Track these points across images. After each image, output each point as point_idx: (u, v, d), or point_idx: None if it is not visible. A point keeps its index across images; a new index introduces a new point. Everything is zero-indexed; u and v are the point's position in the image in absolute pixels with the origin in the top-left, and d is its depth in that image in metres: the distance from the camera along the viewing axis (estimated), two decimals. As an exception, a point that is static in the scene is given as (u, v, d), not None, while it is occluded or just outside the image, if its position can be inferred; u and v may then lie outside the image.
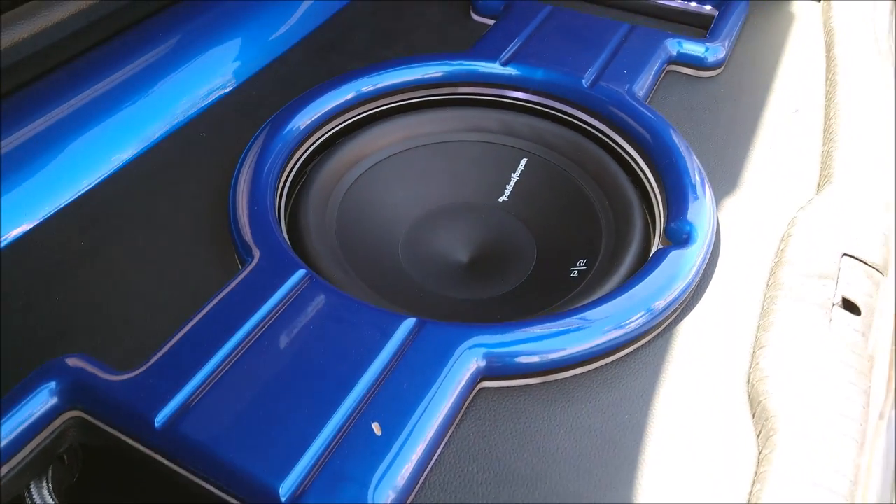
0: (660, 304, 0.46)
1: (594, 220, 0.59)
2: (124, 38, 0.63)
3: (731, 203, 0.56)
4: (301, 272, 0.46)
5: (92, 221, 0.53)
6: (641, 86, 0.64)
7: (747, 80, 0.69)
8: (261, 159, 0.56)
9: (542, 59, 0.66)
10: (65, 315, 0.47)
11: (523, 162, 0.65)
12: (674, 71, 0.70)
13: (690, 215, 0.51)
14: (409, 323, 0.44)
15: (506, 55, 0.67)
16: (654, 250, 0.53)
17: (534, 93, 0.66)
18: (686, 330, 0.47)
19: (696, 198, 0.52)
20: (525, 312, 0.52)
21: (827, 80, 0.68)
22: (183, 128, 0.62)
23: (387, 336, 0.43)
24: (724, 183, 0.58)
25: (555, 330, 0.44)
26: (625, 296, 0.46)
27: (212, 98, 0.65)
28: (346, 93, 0.63)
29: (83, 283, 0.49)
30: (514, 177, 0.64)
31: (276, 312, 0.44)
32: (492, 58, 0.67)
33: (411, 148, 0.65)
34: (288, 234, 0.53)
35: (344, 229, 0.57)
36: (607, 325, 0.44)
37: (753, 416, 0.42)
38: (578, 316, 0.45)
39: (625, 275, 0.52)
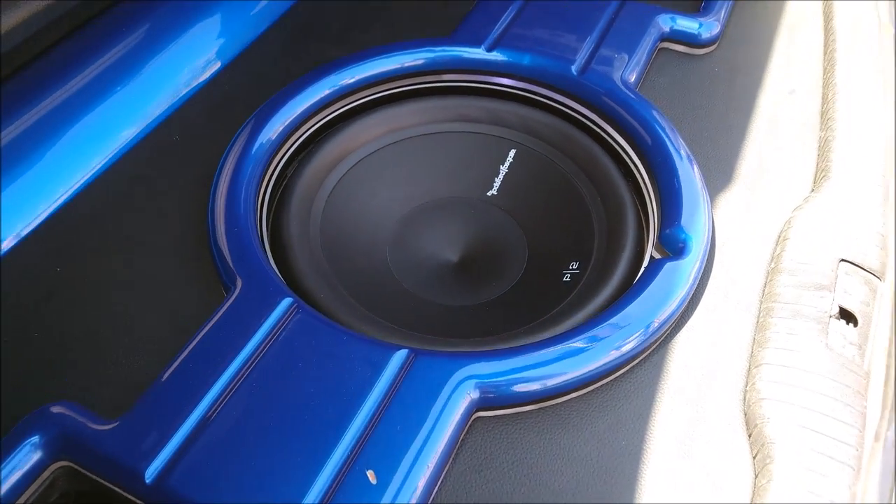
0: (656, 322, 0.45)
1: (586, 217, 0.57)
2: (76, 41, 0.59)
3: (725, 199, 0.54)
4: (287, 301, 0.45)
5: (62, 246, 0.51)
6: (634, 69, 0.61)
7: (742, 58, 0.66)
8: (238, 170, 0.53)
9: (528, 43, 0.63)
10: (41, 353, 0.45)
11: (512, 153, 0.62)
12: (666, 48, 0.67)
13: (686, 223, 0.49)
14: (401, 355, 0.42)
15: (490, 39, 0.63)
16: (647, 255, 0.51)
17: (521, 79, 0.63)
18: (680, 346, 0.46)
19: (693, 204, 0.50)
20: (518, 322, 0.51)
21: (825, 55, 0.65)
22: (152, 133, 0.58)
23: (378, 371, 0.41)
24: (719, 175, 0.56)
25: (549, 357, 0.43)
26: (620, 315, 0.44)
27: (182, 96, 0.62)
28: (323, 88, 0.60)
29: (58, 317, 0.47)
30: (503, 169, 0.62)
31: (263, 348, 0.42)
32: (476, 43, 0.63)
33: (395, 142, 0.62)
34: (271, 251, 0.51)
35: (329, 240, 0.55)
36: (603, 349, 0.43)
37: (749, 436, 0.42)
38: (573, 340, 0.43)
39: (618, 284, 0.50)
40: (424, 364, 0.42)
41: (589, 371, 0.42)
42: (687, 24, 0.65)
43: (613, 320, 0.44)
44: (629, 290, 0.47)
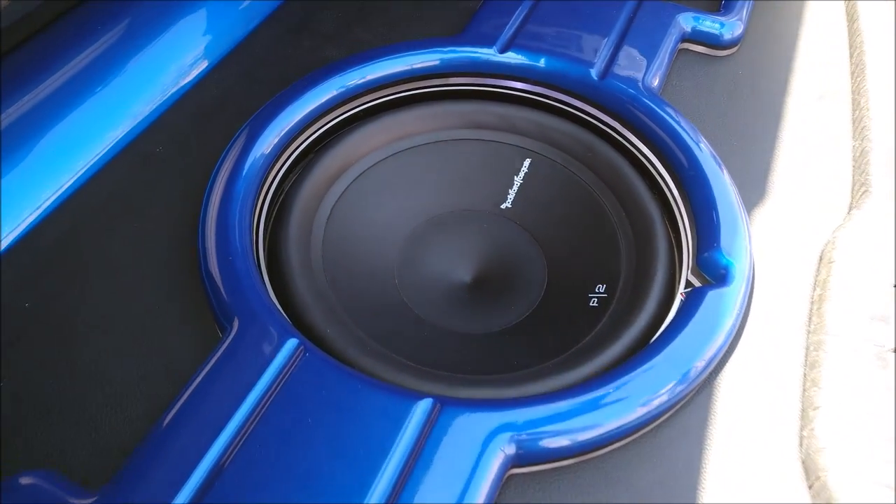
0: (703, 359, 0.40)
1: (610, 235, 0.52)
2: (45, 40, 0.52)
3: (760, 217, 0.50)
4: (292, 343, 0.39)
5: (30, 278, 0.44)
6: (656, 73, 0.56)
7: (764, 60, 0.61)
8: (230, 188, 0.47)
9: (543, 44, 0.57)
10: (6, 409, 0.39)
11: (527, 163, 0.57)
12: (684, 49, 0.62)
13: (726, 246, 0.45)
14: (425, 406, 0.37)
15: (502, 40, 0.57)
16: (682, 280, 0.47)
17: (535, 83, 0.57)
18: (726, 385, 0.41)
19: (733, 224, 0.45)
20: (544, 353, 0.46)
21: (851, 58, 0.61)
22: (132, 144, 0.52)
23: (401, 424, 0.36)
24: (750, 190, 0.51)
25: (591, 404, 0.38)
26: (665, 353, 0.40)
27: (165, 101, 0.55)
28: (322, 93, 0.54)
29: (26, 364, 0.40)
30: (518, 180, 0.56)
31: (267, 401, 0.37)
32: (487, 43, 0.57)
33: (400, 152, 0.57)
34: (270, 281, 0.45)
35: (332, 265, 0.49)
36: (649, 393, 0.38)
37: (810, 487, 0.38)
38: (615, 383, 0.39)
39: (653, 312, 0.45)
40: (452, 416, 0.37)
41: (635, 419, 0.38)
42: (709, 23, 0.60)
43: (658, 359, 0.39)
44: (672, 322, 0.42)
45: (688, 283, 0.46)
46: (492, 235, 0.56)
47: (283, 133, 0.52)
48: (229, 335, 0.40)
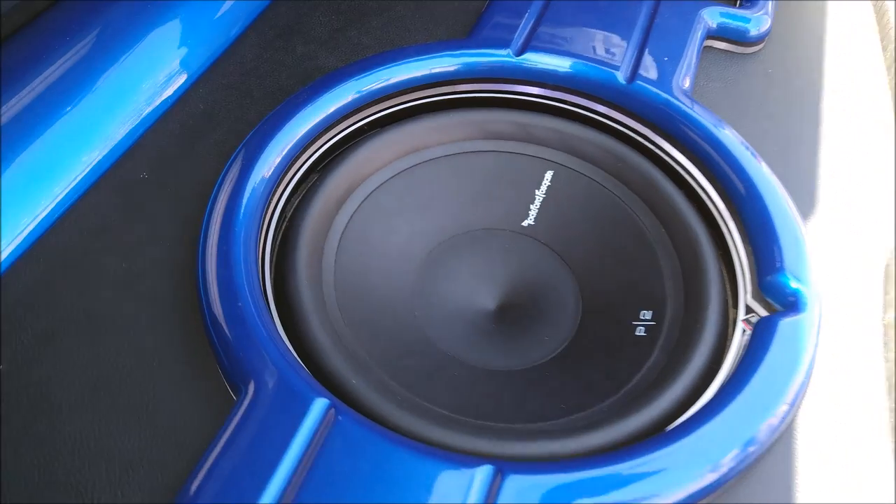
0: (787, 400, 0.35)
1: (649, 254, 0.47)
2: (8, 51, 0.45)
3: (814, 231, 0.46)
4: (321, 404, 0.33)
5: (10, 328, 0.38)
6: (686, 73, 0.51)
7: (793, 57, 0.57)
8: (232, 219, 0.40)
9: (561, 45, 0.52)
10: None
11: (549, 175, 0.52)
12: (708, 47, 0.57)
13: (792, 267, 0.40)
14: (485, 475, 0.31)
15: (518, 42, 0.52)
16: (740, 307, 0.42)
17: (555, 88, 0.52)
18: (808, 427, 0.37)
19: (795, 242, 0.41)
20: (597, 393, 0.41)
21: (885, 53, 0.57)
22: (113, 169, 0.45)
23: (460, 498, 0.31)
24: (801, 201, 0.47)
25: (673, 462, 0.33)
26: (745, 393, 0.35)
27: (148, 117, 0.49)
28: (325, 106, 0.48)
29: (9, 439, 0.34)
30: (539, 194, 0.51)
31: (299, 478, 0.31)
32: (501, 45, 0.52)
33: (409, 168, 0.51)
34: (283, 327, 0.39)
35: (347, 300, 0.43)
36: (734, 445, 0.33)
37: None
38: (698, 433, 0.34)
39: (712, 343, 0.41)
40: (516, 486, 0.32)
41: (724, 473, 0.33)
42: (736, 18, 0.56)
43: (740, 401, 0.35)
44: (745, 357, 0.37)
45: (748, 310, 0.41)
46: (515, 256, 0.51)
47: (284, 153, 0.45)
48: (245, 397, 0.34)
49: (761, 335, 0.38)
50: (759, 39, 0.57)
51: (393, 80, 0.50)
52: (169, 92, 0.51)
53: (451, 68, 0.51)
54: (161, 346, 0.37)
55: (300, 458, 0.31)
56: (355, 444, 0.32)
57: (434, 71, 0.51)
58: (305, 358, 0.38)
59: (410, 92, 0.51)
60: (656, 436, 0.34)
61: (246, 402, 0.33)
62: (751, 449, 0.33)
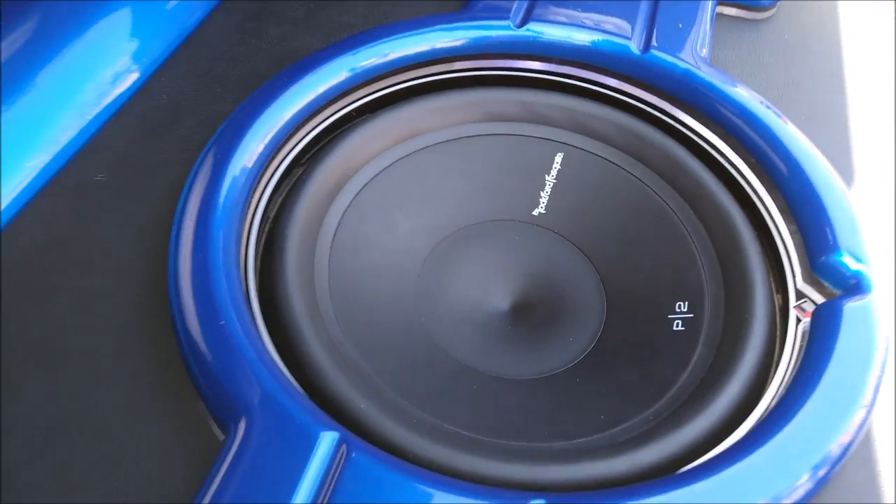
0: (867, 395, 0.30)
1: (678, 239, 0.42)
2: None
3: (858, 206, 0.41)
4: (330, 438, 0.27)
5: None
6: (703, 41, 0.46)
7: (809, 22, 0.53)
8: (207, 223, 0.34)
9: (566, 15, 0.47)
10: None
11: (559, 158, 0.46)
12: (719, 14, 0.53)
13: (848, 244, 0.35)
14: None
15: (519, 13, 0.47)
16: (791, 290, 0.37)
17: (562, 62, 0.47)
18: (887, 424, 0.32)
19: (848, 217, 0.36)
20: (637, 400, 0.36)
21: (905, 12, 0.53)
22: (65, 171, 0.39)
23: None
24: (840, 174, 0.42)
25: (745, 481, 0.28)
26: (819, 393, 0.30)
27: (103, 112, 0.42)
28: (307, 90, 0.42)
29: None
30: (550, 180, 0.46)
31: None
32: (500, 16, 0.46)
33: (405, 156, 0.45)
34: (275, 346, 0.33)
35: (346, 310, 0.37)
36: (819, 451, 0.28)
37: None
38: (769, 444, 0.29)
39: (764, 336, 0.36)
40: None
41: (817, 481, 0.28)
42: (748, -19, 0.51)
43: (814, 401, 0.30)
44: (811, 348, 0.32)
45: (799, 295, 0.37)
46: (527, 250, 0.45)
47: (264, 144, 0.39)
48: (236, 435, 0.28)
49: (825, 323, 0.33)
50: (771, 4, 0.52)
51: (382, 59, 0.44)
52: (126, 83, 0.44)
53: (447, 44, 0.45)
54: (129, 379, 0.31)
55: (309, 506, 0.26)
56: (376, 485, 0.26)
57: (428, 47, 0.45)
58: (304, 382, 0.32)
59: (402, 72, 0.46)
60: (729, 448, 0.29)
61: (237, 442, 0.27)
62: (835, 451, 0.28)
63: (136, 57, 0.45)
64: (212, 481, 0.26)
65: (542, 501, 0.26)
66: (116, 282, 0.35)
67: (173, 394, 0.30)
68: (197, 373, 0.29)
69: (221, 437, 0.29)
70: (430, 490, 0.26)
